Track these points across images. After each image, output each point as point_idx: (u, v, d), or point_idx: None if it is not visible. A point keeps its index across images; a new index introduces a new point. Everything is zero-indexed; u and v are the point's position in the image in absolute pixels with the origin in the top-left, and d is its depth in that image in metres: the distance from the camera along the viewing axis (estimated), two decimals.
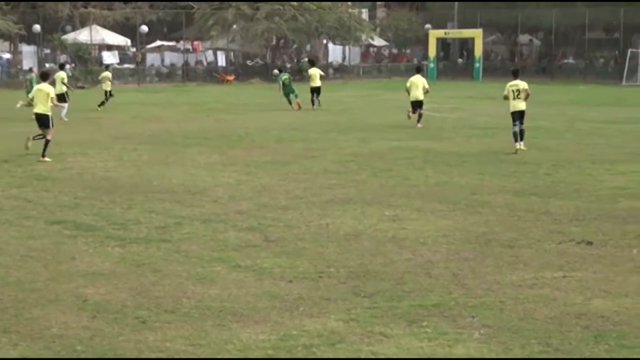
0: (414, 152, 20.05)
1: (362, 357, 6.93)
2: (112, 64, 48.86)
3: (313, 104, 33.24)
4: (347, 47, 64.68)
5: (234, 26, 59.80)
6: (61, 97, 26.36)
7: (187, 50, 61.04)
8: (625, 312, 7.80)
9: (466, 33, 62.13)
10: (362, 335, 7.40)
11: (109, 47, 58.33)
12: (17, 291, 8.75)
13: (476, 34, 60.48)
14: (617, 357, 6.79)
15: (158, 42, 62.19)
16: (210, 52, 61.95)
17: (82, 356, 7.02)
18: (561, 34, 62.05)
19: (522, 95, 20.64)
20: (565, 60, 62.50)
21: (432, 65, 60.89)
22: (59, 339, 7.35)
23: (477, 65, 60.48)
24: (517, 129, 20.11)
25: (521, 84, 20.90)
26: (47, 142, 18.94)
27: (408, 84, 26.77)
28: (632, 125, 25.91)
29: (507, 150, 20.11)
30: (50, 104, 19.34)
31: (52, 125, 19.39)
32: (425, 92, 26.50)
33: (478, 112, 31.09)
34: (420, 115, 26.22)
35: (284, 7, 57.76)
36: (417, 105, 26.33)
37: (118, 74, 53.64)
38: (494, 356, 6.86)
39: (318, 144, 21.95)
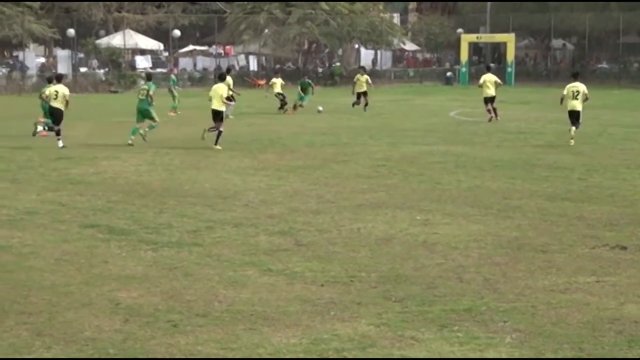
0: (446, 156, 20.01)
1: None
2: (145, 68, 49.27)
3: (354, 105, 33.80)
4: (378, 52, 64.65)
5: (266, 30, 59.97)
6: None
7: (219, 55, 61.31)
8: None
9: (498, 37, 61.84)
10: (393, 339, 7.39)
11: (142, 52, 58.76)
12: (51, 294, 8.83)
13: (509, 39, 60.18)
14: None
15: (190, 47, 62.57)
16: (242, 57, 62.19)
17: (115, 358, 7.08)
18: (595, 39, 61.63)
19: (581, 97, 22.22)
20: (599, 65, 62.04)
21: (464, 69, 60.67)
22: (91, 342, 7.41)
23: (509, 69, 60.16)
24: (578, 126, 22.11)
25: (581, 87, 22.48)
26: (219, 133, 21.93)
27: (481, 81, 29.38)
28: None
29: (539, 155, 20.02)
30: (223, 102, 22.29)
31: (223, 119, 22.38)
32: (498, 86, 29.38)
33: (510, 117, 30.93)
34: (494, 110, 28.63)
35: (316, 12, 57.85)
36: (489, 100, 28.92)
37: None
38: None
39: (349, 148, 21.95)
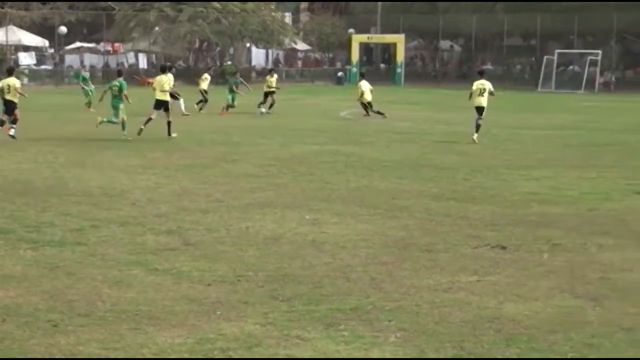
0: (335, 156, 20.15)
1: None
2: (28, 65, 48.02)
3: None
4: (270, 51, 64.73)
5: (156, 28, 59.31)
6: None
7: (107, 52, 60.29)
8: (535, 316, 7.94)
9: (389, 38, 62.69)
10: (279, 338, 7.40)
11: (26, 48, 57.24)
12: None
13: (398, 39, 61.05)
14: None
15: (77, 44, 61.29)
16: (131, 54, 61.31)
17: None
18: (481, 40, 63.10)
19: (487, 94, 23.55)
20: (485, 66, 63.49)
21: (354, 69, 61.26)
22: None
23: (399, 70, 61.05)
24: (479, 121, 23.12)
25: (487, 84, 23.72)
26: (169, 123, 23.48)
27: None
28: (546, 132, 26.47)
29: (426, 155, 20.37)
30: None
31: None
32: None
33: (399, 117, 31.37)
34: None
35: (207, 10, 57.49)
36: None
37: (35, 76, 52.65)
38: (408, 359, 6.92)
39: (240, 147, 21.90)
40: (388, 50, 66.66)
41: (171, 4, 57.47)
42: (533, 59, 60.70)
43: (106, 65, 57.47)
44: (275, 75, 35.22)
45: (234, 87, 33.42)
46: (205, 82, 34.31)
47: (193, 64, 62.02)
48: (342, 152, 20.84)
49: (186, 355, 7.02)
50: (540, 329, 7.59)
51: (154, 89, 24.52)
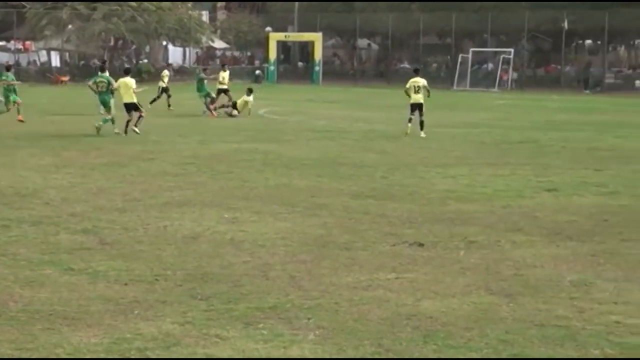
0: (254, 154, 20.11)
1: (197, 359, 6.88)
2: None
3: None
4: (187, 49, 64.25)
5: (70, 26, 58.31)
6: None
7: (18, 50, 59.06)
8: (452, 313, 8.03)
9: (306, 36, 62.80)
10: (198, 337, 7.34)
11: None
12: None
13: (316, 38, 61.21)
14: (444, 357, 6.98)
15: None
16: (43, 52, 60.19)
17: None
18: (397, 39, 63.66)
19: (422, 90, 24.79)
20: (401, 65, 64.10)
21: (272, 68, 61.25)
22: None
23: (317, 68, 61.22)
24: (414, 117, 24.46)
25: (421, 81, 24.88)
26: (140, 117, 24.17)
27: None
28: (461, 130, 26.84)
29: (345, 153, 20.47)
30: None
31: None
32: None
33: (318, 115, 31.46)
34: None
35: (122, 8, 56.74)
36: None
37: None
38: (328, 357, 6.94)
39: (157, 146, 21.68)
40: (306, 49, 66.82)
41: (85, 2, 56.54)
42: (448, 57, 61.50)
43: (17, 63, 56.23)
44: (228, 71, 34.38)
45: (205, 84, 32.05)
46: (165, 78, 33.94)
47: (108, 62, 61.14)
48: (261, 151, 20.80)
49: (102, 355, 6.93)
50: (457, 325, 7.68)
51: (120, 93, 24.46)
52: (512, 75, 55.87)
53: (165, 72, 35.00)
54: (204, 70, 35.55)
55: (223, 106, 31.44)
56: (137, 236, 11.32)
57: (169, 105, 33.43)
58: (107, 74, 25.03)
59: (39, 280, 9.03)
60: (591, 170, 17.78)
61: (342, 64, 69.41)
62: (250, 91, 31.26)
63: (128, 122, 24.09)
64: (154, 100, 33.55)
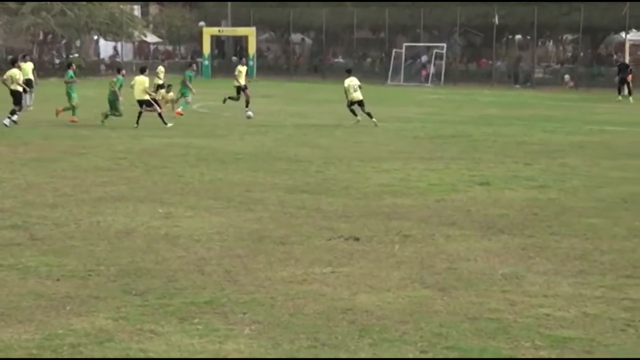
0: (188, 149, 19.98)
1: (131, 355, 6.82)
2: None
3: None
4: (119, 44, 63.50)
5: None
6: None
7: None
8: (387, 307, 8.10)
9: (240, 31, 62.55)
10: (132, 333, 7.29)
11: None
12: None
13: (249, 32, 61.00)
14: (380, 350, 7.03)
15: None
16: None
17: None
18: (331, 34, 63.73)
19: (359, 88, 26.75)
20: (336, 60, 64.21)
21: (206, 62, 60.87)
22: None
23: (251, 63, 61.00)
24: (359, 115, 26.15)
25: (356, 80, 27.08)
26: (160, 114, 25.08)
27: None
28: (395, 124, 27.00)
29: (280, 148, 20.47)
30: None
31: None
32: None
33: (252, 110, 31.33)
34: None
35: (52, 2, 55.82)
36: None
37: None
38: (262, 351, 6.94)
39: (88, 141, 21.42)
40: (239, 43, 66.53)
41: None
42: (382, 52, 61.81)
43: None
44: (246, 67, 33.11)
45: (187, 82, 29.88)
46: (160, 74, 32.91)
47: (37, 56, 60.16)
48: (195, 145, 20.68)
49: (34, 352, 6.85)
50: (392, 319, 7.74)
51: (134, 90, 25.46)
52: (432, 70, 56.24)
53: (161, 68, 33.96)
54: (190, 65, 33.08)
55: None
56: (69, 232, 11.18)
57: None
58: (120, 76, 26.41)
59: None
60: (521, 164, 18.05)
61: (276, 58, 69.29)
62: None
63: (140, 114, 24.93)
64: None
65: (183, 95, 29.90)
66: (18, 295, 8.28)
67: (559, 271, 9.44)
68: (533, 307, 8.08)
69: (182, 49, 71.47)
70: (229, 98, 31.33)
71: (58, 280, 8.88)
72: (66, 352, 6.86)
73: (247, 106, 30.23)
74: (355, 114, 26.60)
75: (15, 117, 24.65)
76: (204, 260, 9.79)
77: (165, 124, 24.83)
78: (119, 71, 27.72)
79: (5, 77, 25.55)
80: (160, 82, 32.60)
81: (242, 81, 31.57)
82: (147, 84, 25.91)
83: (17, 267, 9.33)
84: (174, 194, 14.13)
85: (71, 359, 6.76)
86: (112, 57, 64.91)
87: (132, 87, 25.83)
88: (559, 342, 7.13)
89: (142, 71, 26.79)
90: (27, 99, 29.17)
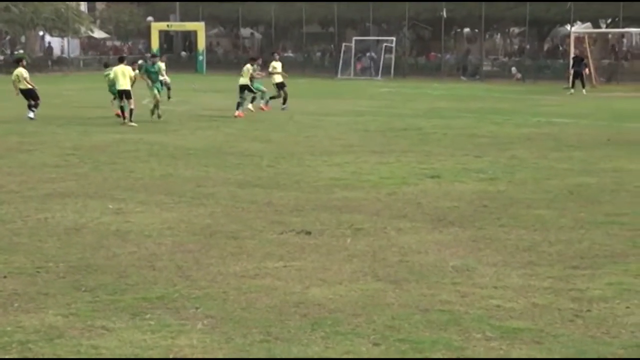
0: (138, 145, 19.84)
1: (82, 351, 6.76)
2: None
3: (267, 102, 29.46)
4: (65, 39, 62.79)
5: None
6: None
7: None
8: (339, 300, 8.11)
9: (189, 26, 62.25)
10: (83, 329, 7.23)
11: None
12: None
13: (199, 27, 60.74)
14: (332, 343, 7.05)
15: None
16: None
17: None
18: (281, 28, 63.69)
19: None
20: (285, 54, 64.18)
21: (200, 58, 60.42)
22: None
23: (200, 58, 60.77)
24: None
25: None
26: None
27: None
28: (346, 118, 27.09)
29: (231, 142, 20.41)
30: None
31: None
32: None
33: (203, 105, 31.25)
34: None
35: None
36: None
37: None
38: (215, 346, 6.92)
39: (35, 137, 21.17)
40: (188, 38, 66.18)
41: None
42: (332, 46, 61.89)
43: None
44: (280, 62, 31.96)
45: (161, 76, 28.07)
46: (162, 71, 31.81)
47: None
48: (145, 141, 20.54)
49: None
50: (345, 312, 7.76)
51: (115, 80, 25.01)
52: (370, 64, 56.42)
53: (162, 65, 33.18)
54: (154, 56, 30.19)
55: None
56: (16, 228, 11.06)
57: (169, 97, 31.40)
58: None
59: None
60: (471, 156, 18.21)
61: (225, 53, 69.05)
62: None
63: (131, 110, 24.55)
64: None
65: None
66: None
67: (508, 263, 9.54)
68: (483, 299, 8.16)
69: (130, 44, 70.86)
70: (271, 98, 30.09)
71: (5, 277, 8.77)
72: (15, 349, 6.78)
73: (284, 103, 29.81)
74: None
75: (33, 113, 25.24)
76: (156, 256, 9.74)
77: (132, 122, 24.43)
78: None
79: (13, 77, 25.90)
80: (162, 78, 31.42)
81: (279, 78, 30.59)
82: (131, 74, 25.44)
83: None
84: (124, 189, 14.02)
85: (20, 358, 6.67)
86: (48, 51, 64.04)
87: (108, 78, 25.62)
88: (509, 333, 7.21)
89: (121, 60, 26.31)
90: None
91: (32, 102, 25.81)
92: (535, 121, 26.39)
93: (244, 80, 27.94)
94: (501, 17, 55.64)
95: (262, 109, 29.10)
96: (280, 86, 30.40)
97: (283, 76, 30.63)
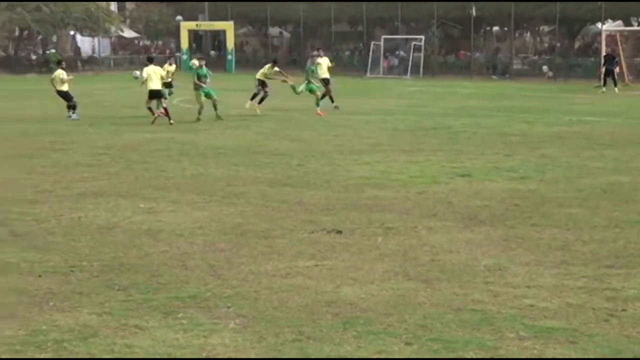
0: (170, 144, 19.93)
1: (116, 350, 6.81)
2: None
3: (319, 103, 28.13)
4: (96, 39, 63.18)
5: None
6: None
7: None
8: (371, 299, 8.10)
9: (218, 25, 62.41)
10: (116, 328, 7.27)
11: None
12: None
13: (228, 26, 60.88)
14: (364, 342, 7.04)
15: None
16: None
17: None
18: (309, 27, 63.70)
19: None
20: (314, 53, 64.12)
21: (185, 57, 60.65)
22: None
23: (229, 57, 60.92)
24: None
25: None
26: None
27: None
28: (375, 116, 27.04)
29: (261, 142, 20.45)
30: None
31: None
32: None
33: (232, 104, 31.28)
34: None
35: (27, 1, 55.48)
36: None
37: None
38: (247, 345, 6.94)
39: (68, 137, 21.32)
40: (218, 37, 66.36)
41: None
42: (361, 45, 61.81)
43: None
44: (327, 58, 31.47)
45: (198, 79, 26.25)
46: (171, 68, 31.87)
47: (13, 52, 59.88)
48: (176, 140, 20.62)
49: (18, 347, 6.84)
50: (376, 311, 7.75)
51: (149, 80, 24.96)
52: (395, 62, 56.26)
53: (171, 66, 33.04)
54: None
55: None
56: (50, 227, 11.14)
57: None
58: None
59: None
60: (502, 155, 18.11)
61: (254, 52, 69.17)
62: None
63: (166, 109, 24.61)
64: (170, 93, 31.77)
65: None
66: (0, 292, 8.24)
67: (541, 262, 9.48)
68: (516, 298, 8.12)
69: (161, 43, 71.21)
70: (323, 97, 29.39)
71: (40, 276, 8.85)
72: (50, 348, 6.84)
73: (332, 101, 29.66)
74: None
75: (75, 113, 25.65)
76: (187, 255, 9.78)
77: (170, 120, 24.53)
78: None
79: (52, 77, 26.34)
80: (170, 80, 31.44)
81: (325, 74, 30.28)
82: (162, 73, 25.86)
83: None
84: (155, 188, 14.09)
85: (55, 358, 6.72)
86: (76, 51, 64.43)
87: (143, 80, 25.33)
88: (543, 333, 7.17)
89: (150, 61, 26.52)
90: None
91: (69, 104, 26.07)
92: (566, 120, 26.20)
93: (259, 74, 28.91)
94: (531, 15, 55.27)
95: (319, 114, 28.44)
96: (325, 82, 30.26)
97: (284, 80, 29.46)
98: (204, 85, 25.69)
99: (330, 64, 31.29)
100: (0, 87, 36.92)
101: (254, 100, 28.16)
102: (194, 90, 25.84)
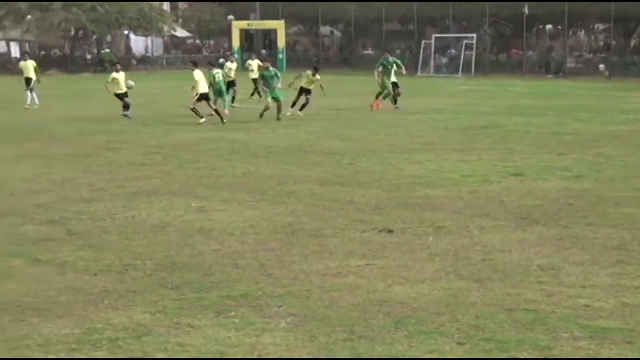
0: (220, 143, 20.04)
1: (169, 349, 6.86)
2: None
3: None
4: (149, 38, 63.80)
5: (29, 16, 57.62)
6: None
7: None
8: (422, 298, 8.07)
9: (269, 24, 62.62)
10: (169, 327, 7.33)
11: None
12: None
13: (279, 25, 61.06)
14: (416, 342, 7.01)
15: None
16: (2, 43, 59.54)
17: None
18: (360, 26, 63.62)
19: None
20: (365, 52, 64.08)
21: (237, 55, 60.99)
22: None
23: (280, 56, 61.06)
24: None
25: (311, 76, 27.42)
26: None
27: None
28: (427, 115, 26.91)
29: (311, 141, 20.47)
30: None
31: None
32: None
33: (284, 103, 31.34)
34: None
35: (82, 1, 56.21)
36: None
37: None
38: (299, 344, 6.94)
39: (122, 136, 21.54)
40: (269, 36, 66.57)
41: None
42: (411, 43, 61.58)
43: None
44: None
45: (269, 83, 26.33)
46: (232, 72, 31.42)
47: (69, 52, 60.65)
48: (227, 139, 20.73)
49: (73, 346, 6.92)
50: (428, 310, 7.72)
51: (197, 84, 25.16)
52: (443, 60, 55.89)
53: (232, 66, 32.62)
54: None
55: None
56: (105, 226, 11.26)
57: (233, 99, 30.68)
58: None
59: (5, 271, 8.99)
60: (555, 154, 17.91)
61: (305, 51, 69.28)
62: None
63: (216, 110, 24.98)
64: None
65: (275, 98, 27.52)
66: (56, 290, 8.35)
67: (596, 261, 9.36)
68: (570, 298, 8.02)
69: (212, 42, 71.68)
70: (385, 97, 29.71)
71: (95, 274, 8.95)
72: (105, 346, 6.91)
73: (395, 102, 29.73)
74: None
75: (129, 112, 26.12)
76: (239, 254, 9.82)
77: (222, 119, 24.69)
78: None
79: (108, 80, 26.67)
80: (231, 78, 31.35)
81: (393, 77, 30.22)
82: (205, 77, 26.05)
83: (55, 262, 9.41)
84: (207, 187, 14.18)
85: (109, 358, 6.78)
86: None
87: (194, 85, 25.17)
88: (598, 333, 7.07)
89: (195, 65, 26.58)
90: (29, 98, 29.45)
91: (123, 104, 26.41)
92: (622, 118, 25.83)
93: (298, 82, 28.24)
94: (585, 13, 54.59)
95: (375, 106, 28.77)
96: (394, 85, 30.17)
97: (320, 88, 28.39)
98: (270, 89, 25.79)
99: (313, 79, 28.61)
100: (56, 86, 37.38)
101: (294, 108, 27.73)
102: (258, 89, 26.17)
